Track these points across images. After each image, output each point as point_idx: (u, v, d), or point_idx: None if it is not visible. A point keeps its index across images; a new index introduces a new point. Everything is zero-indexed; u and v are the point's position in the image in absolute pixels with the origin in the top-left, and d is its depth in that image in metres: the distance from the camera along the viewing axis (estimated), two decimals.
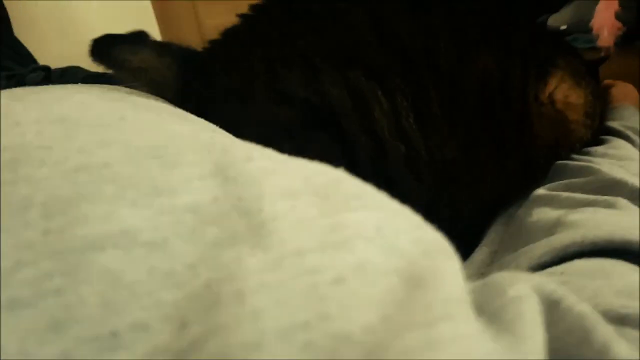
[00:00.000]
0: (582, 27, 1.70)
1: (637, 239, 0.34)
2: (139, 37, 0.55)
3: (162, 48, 0.55)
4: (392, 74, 0.48)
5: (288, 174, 0.24)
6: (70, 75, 0.92)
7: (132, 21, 2.06)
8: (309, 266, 0.18)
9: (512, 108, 0.52)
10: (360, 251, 0.19)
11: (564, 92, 0.55)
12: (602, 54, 1.45)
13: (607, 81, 0.79)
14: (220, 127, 0.34)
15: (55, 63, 1.06)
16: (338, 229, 0.20)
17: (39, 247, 0.18)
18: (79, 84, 0.48)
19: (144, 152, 0.23)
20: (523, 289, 0.22)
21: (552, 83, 0.55)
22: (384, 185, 0.49)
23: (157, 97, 0.46)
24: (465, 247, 0.47)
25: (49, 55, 1.17)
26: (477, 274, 0.43)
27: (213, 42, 0.56)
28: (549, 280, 0.25)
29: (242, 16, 0.55)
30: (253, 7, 0.55)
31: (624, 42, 1.67)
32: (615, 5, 1.45)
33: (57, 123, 0.24)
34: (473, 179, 0.51)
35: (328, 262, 0.18)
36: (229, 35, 0.55)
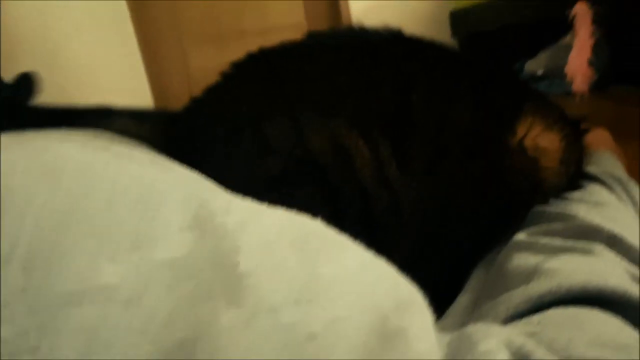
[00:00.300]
0: (557, 72, 1.75)
1: (611, 286, 0.34)
2: (109, 110, 0.57)
3: (142, 115, 0.59)
4: (373, 124, 0.49)
5: (265, 225, 0.24)
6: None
7: (120, 64, 2.07)
8: (284, 322, 0.18)
9: (486, 157, 0.53)
10: (334, 305, 0.19)
11: (533, 138, 0.56)
12: (577, 98, 1.50)
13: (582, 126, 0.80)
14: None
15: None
16: (313, 282, 0.20)
17: (17, 304, 0.18)
18: (62, 128, 0.48)
19: (125, 204, 0.23)
20: (493, 344, 0.22)
21: (522, 130, 0.56)
22: (369, 235, 0.49)
23: (139, 145, 0.46)
24: (445, 293, 0.48)
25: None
26: (459, 322, 0.43)
27: (195, 101, 0.58)
28: (519, 333, 0.25)
29: (222, 75, 0.57)
30: (233, 65, 0.57)
31: (597, 87, 1.72)
32: (588, 52, 1.50)
33: (42, 174, 0.24)
34: (452, 227, 0.52)
35: (302, 317, 0.19)
36: (211, 92, 0.57)
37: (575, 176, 0.61)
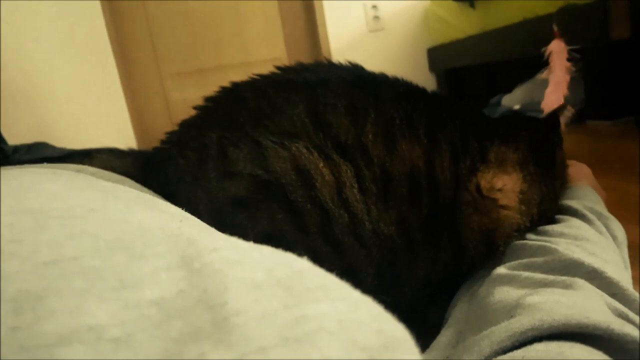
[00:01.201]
0: (534, 107, 1.80)
1: (593, 322, 0.35)
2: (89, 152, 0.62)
3: (121, 152, 0.63)
4: (332, 148, 0.53)
5: (252, 265, 0.24)
6: (37, 152, 0.92)
7: (102, 100, 2.07)
8: None
9: (439, 197, 0.55)
10: (322, 346, 0.19)
11: (488, 180, 0.57)
12: None
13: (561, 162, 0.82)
14: (178, 205, 0.35)
15: (23, 137, 1.06)
16: (301, 322, 0.20)
17: (7, 345, 0.18)
18: (46, 164, 0.48)
19: (112, 245, 0.23)
20: None
21: (480, 174, 0.57)
22: (335, 251, 0.50)
23: (124, 180, 0.46)
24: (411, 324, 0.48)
25: (16, 129, 1.17)
26: (443, 356, 0.43)
27: (170, 133, 0.62)
28: None
29: (196, 108, 0.61)
30: (205, 99, 0.61)
31: (574, 121, 1.76)
32: (564, 88, 1.54)
33: (28, 215, 0.24)
34: (408, 257, 0.53)
35: (291, 357, 0.19)
36: (185, 125, 0.61)
37: (547, 212, 0.61)
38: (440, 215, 0.55)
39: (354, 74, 0.60)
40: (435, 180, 0.55)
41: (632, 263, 0.59)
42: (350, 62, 0.62)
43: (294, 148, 0.51)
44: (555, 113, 0.72)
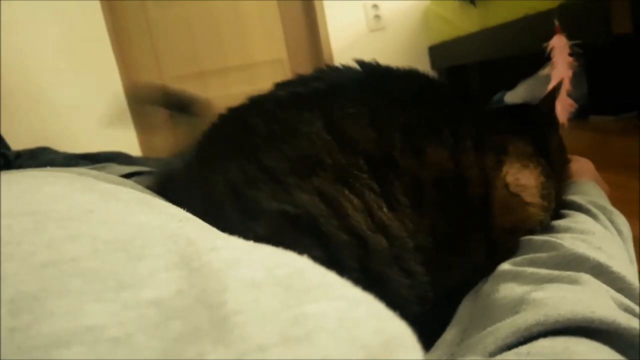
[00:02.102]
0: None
1: (598, 317, 0.34)
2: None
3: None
4: (355, 173, 0.49)
5: (251, 264, 0.24)
6: (40, 157, 0.92)
7: (103, 101, 2.08)
8: None
9: (469, 196, 0.54)
10: (322, 345, 0.19)
11: (514, 175, 0.56)
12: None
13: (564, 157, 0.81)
14: None
15: (25, 143, 1.06)
16: (300, 321, 0.20)
17: (5, 346, 0.18)
18: (48, 167, 0.48)
19: (111, 246, 0.23)
20: None
21: (505, 168, 0.56)
22: (373, 284, 0.47)
23: (125, 182, 0.46)
24: (433, 327, 0.47)
25: (18, 135, 1.18)
26: (448, 354, 0.43)
27: (171, 176, 0.58)
28: None
29: (199, 141, 0.57)
30: (206, 133, 0.57)
31: (576, 117, 1.76)
32: (567, 84, 1.54)
33: (27, 216, 0.24)
34: (443, 264, 0.52)
35: (291, 357, 0.18)
36: (190, 166, 0.56)
37: (556, 208, 0.61)
38: (472, 217, 0.53)
39: (363, 74, 0.57)
40: (464, 178, 0.53)
41: (635, 257, 0.59)
42: (354, 60, 0.58)
43: (316, 183, 0.48)
44: (552, 94, 0.72)
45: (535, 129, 0.65)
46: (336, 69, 0.58)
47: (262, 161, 0.49)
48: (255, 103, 0.56)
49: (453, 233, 0.52)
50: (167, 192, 0.52)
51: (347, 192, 0.48)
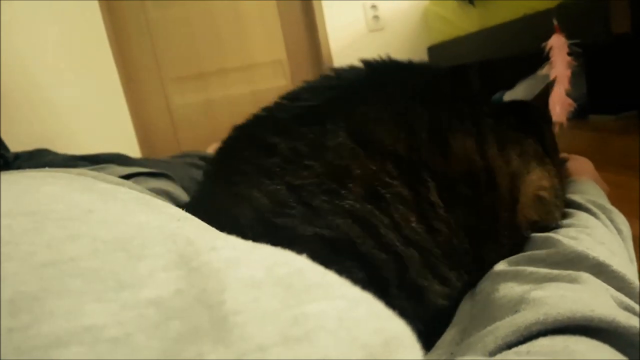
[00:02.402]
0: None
1: (597, 315, 0.34)
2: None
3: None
4: (386, 180, 0.48)
5: (251, 263, 0.24)
6: (39, 158, 0.92)
7: (103, 102, 2.07)
8: None
9: (497, 188, 0.54)
10: (322, 345, 0.19)
11: (538, 176, 0.57)
12: (556, 128, 1.52)
13: (562, 155, 0.82)
14: None
15: (25, 144, 1.06)
16: (300, 321, 0.20)
17: (4, 346, 0.17)
18: (46, 168, 0.48)
19: (110, 245, 0.23)
20: None
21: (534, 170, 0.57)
22: (412, 296, 0.47)
23: (123, 182, 0.46)
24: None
25: (18, 136, 1.18)
26: (448, 354, 0.43)
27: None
28: None
29: (211, 163, 0.55)
30: (219, 153, 0.55)
31: (576, 116, 1.76)
32: (566, 83, 1.54)
33: (27, 216, 0.24)
34: (477, 264, 0.51)
35: (291, 357, 0.18)
36: (201, 201, 0.54)
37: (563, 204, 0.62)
38: (500, 210, 0.53)
39: (370, 73, 0.56)
40: (492, 169, 0.53)
41: (635, 256, 0.59)
42: (359, 60, 0.57)
43: (347, 203, 0.46)
44: (545, 91, 0.73)
45: (536, 126, 0.65)
46: (341, 72, 0.57)
47: (289, 182, 0.47)
48: (268, 119, 0.54)
49: (485, 228, 0.52)
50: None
51: (376, 211, 0.47)
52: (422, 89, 0.56)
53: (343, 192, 0.47)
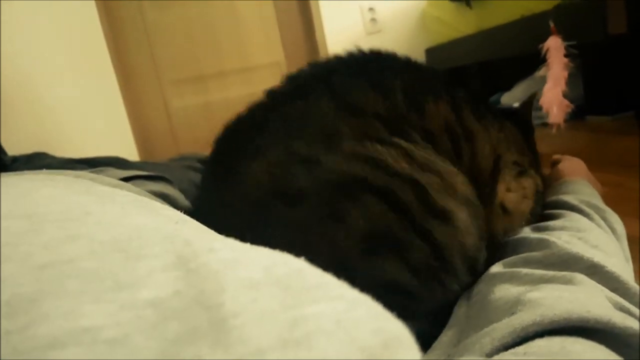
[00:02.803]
0: (534, 104, 1.79)
1: (593, 316, 0.35)
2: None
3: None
4: (377, 135, 0.52)
5: (250, 264, 0.24)
6: (36, 162, 0.92)
7: (101, 106, 2.07)
8: None
9: (478, 150, 0.58)
10: (320, 347, 0.19)
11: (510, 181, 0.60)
12: (554, 130, 1.53)
13: (555, 156, 0.82)
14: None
15: (23, 147, 1.06)
16: (299, 323, 0.20)
17: (1, 347, 0.17)
18: (44, 170, 0.48)
19: (108, 246, 0.23)
20: None
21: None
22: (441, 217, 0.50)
23: (122, 185, 0.46)
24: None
25: (16, 140, 1.17)
26: (445, 355, 0.43)
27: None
28: None
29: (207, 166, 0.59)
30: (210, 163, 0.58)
31: (573, 117, 1.76)
32: (562, 85, 1.54)
33: (24, 218, 0.24)
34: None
35: (289, 359, 0.19)
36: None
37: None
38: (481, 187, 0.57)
39: (352, 56, 0.64)
40: (470, 131, 0.57)
41: (633, 257, 0.59)
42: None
43: (345, 149, 0.50)
44: (529, 101, 0.76)
45: (522, 125, 0.69)
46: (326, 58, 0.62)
47: (287, 148, 0.49)
48: (254, 109, 0.56)
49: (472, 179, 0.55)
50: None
51: (378, 150, 0.50)
52: (399, 64, 0.63)
53: (341, 142, 0.50)
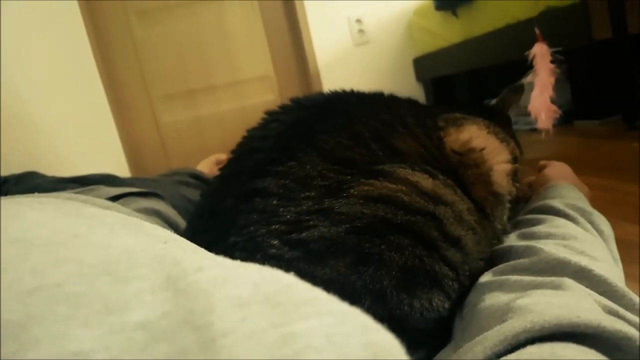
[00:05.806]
0: (522, 110, 1.81)
1: (583, 321, 0.35)
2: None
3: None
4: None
5: (239, 282, 0.24)
6: (27, 181, 0.91)
7: (90, 122, 2.06)
8: None
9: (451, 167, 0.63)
10: None
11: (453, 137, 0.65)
12: (543, 135, 1.54)
13: (541, 162, 0.83)
14: None
15: (12, 165, 1.05)
16: (288, 340, 0.20)
17: None
18: (35, 193, 0.48)
19: (96, 269, 0.23)
20: None
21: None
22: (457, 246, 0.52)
23: (111, 206, 0.46)
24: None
25: (6, 158, 1.17)
26: None
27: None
28: None
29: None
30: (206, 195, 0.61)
31: (562, 122, 1.78)
32: (550, 91, 1.55)
33: (11, 244, 0.24)
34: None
35: None
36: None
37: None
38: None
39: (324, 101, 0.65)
40: (441, 151, 0.63)
41: (625, 260, 0.59)
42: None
43: (354, 196, 0.51)
44: (504, 96, 0.86)
45: (499, 116, 0.77)
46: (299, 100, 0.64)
47: (295, 211, 0.50)
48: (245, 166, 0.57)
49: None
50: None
51: (388, 187, 0.53)
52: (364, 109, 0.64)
53: (346, 193, 0.50)
